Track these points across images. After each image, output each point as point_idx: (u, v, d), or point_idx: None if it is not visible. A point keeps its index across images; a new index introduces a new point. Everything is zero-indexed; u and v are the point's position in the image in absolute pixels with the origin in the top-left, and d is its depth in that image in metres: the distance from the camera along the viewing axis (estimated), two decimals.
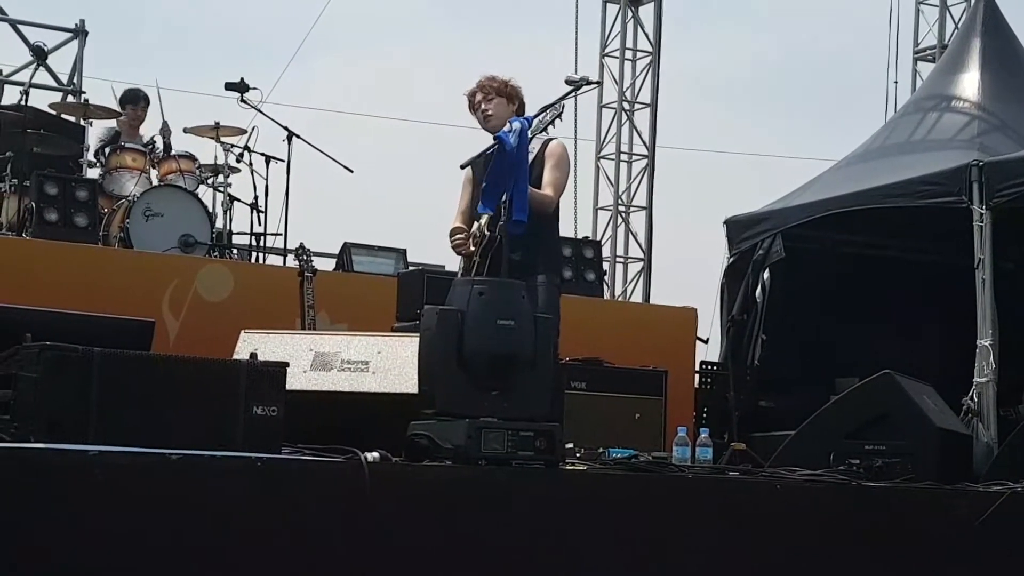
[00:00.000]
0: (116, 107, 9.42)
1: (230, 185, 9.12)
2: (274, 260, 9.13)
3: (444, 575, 4.44)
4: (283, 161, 8.98)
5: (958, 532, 5.51)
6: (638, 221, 13.98)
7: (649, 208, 13.86)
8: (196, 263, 8.18)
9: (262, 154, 9.06)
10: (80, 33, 12.77)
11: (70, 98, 12.14)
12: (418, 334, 4.95)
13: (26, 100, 9.08)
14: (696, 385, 8.96)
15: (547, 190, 5.98)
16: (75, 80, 12.77)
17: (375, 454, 4.39)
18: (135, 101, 9.45)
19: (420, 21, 25.67)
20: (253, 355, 4.53)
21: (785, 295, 9.36)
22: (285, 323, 7.17)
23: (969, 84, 9.07)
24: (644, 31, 13.95)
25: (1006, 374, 7.48)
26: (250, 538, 4.12)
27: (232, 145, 9.08)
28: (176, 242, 8.35)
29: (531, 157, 5.86)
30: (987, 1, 9.44)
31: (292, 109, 11.32)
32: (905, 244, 9.72)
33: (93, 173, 8.99)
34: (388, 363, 5.42)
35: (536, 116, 5.89)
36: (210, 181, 9.14)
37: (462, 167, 6.05)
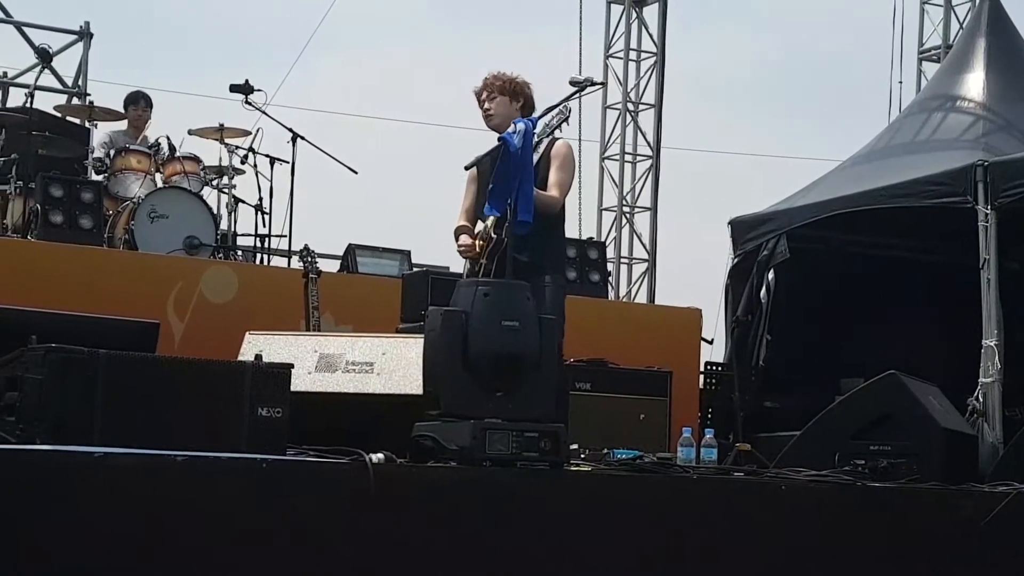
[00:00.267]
0: (120, 109, 9.44)
1: (235, 187, 9.15)
2: (279, 262, 9.14)
3: None
4: (287, 163, 8.99)
5: (963, 532, 5.51)
6: (642, 222, 13.99)
7: (654, 209, 13.86)
8: (201, 265, 8.19)
9: (267, 156, 9.07)
10: (85, 35, 12.79)
11: (75, 100, 12.17)
12: (423, 335, 4.95)
13: (31, 102, 9.10)
14: (701, 386, 8.95)
15: (552, 191, 5.97)
16: (80, 82, 12.79)
17: (380, 455, 4.39)
18: (135, 102, 9.46)
19: (423, 22, 25.69)
20: (258, 356, 4.54)
21: (790, 295, 9.36)
22: (290, 324, 7.18)
23: (974, 84, 9.06)
24: (648, 32, 13.95)
25: (1011, 374, 7.47)
26: (254, 539, 4.12)
27: (237, 147, 9.09)
28: (181, 244, 8.36)
29: (536, 158, 5.85)
30: (992, 1, 9.44)
31: (296, 111, 11.32)
32: (910, 244, 9.71)
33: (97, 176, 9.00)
34: (393, 364, 5.43)
35: (541, 117, 5.88)
36: (215, 183, 9.15)
37: (467, 168, 6.05)
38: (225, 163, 9.12)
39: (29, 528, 3.79)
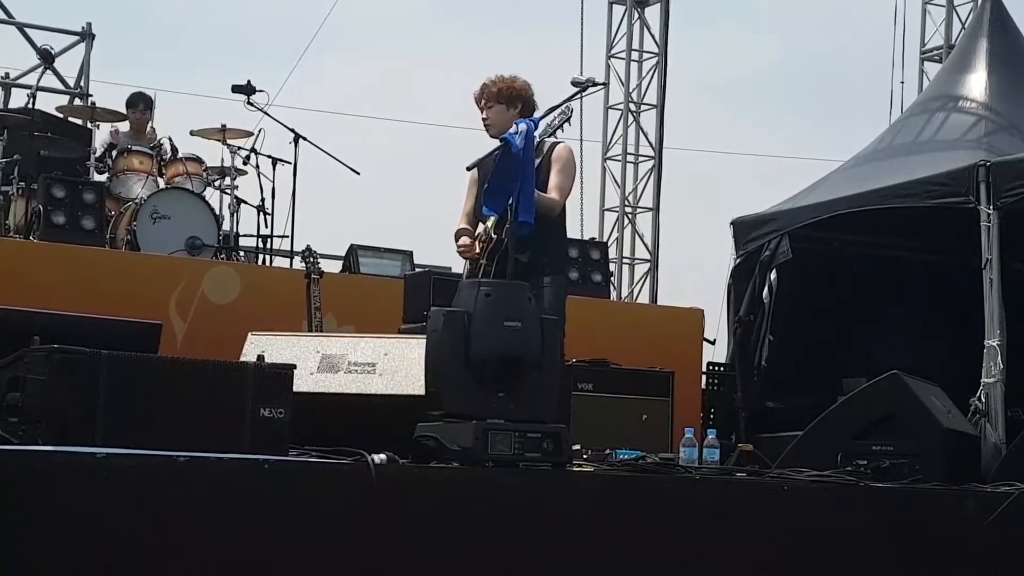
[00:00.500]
0: (122, 110, 9.45)
1: (237, 187, 9.15)
2: (281, 262, 9.15)
3: None
4: (290, 163, 9.00)
5: (966, 532, 5.51)
6: (644, 222, 13.99)
7: (656, 209, 13.86)
8: (203, 265, 8.19)
9: (269, 156, 9.08)
10: (87, 36, 12.79)
11: (77, 101, 12.18)
12: (425, 336, 4.95)
13: (33, 103, 9.11)
14: (703, 386, 8.95)
15: (553, 194, 5.97)
16: (82, 83, 12.79)
17: (382, 456, 4.39)
18: (134, 105, 9.46)
19: (424, 22, 25.70)
20: (260, 357, 4.54)
21: (792, 296, 9.35)
22: (292, 325, 7.17)
23: (976, 84, 9.05)
24: (650, 32, 13.95)
25: (1014, 374, 7.46)
26: (257, 540, 4.12)
27: (239, 148, 9.10)
28: (183, 244, 8.37)
29: (537, 160, 5.84)
30: (994, 1, 9.43)
31: (298, 111, 11.32)
32: (912, 245, 9.70)
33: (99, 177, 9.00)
34: (395, 365, 5.42)
35: (543, 117, 5.88)
36: (217, 184, 9.15)
37: (468, 168, 6.05)
38: (227, 164, 9.13)
39: (31, 529, 3.79)
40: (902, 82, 13.36)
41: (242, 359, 5.26)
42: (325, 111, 16.25)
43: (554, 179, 5.99)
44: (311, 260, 7.54)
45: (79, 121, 9.54)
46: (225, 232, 8.85)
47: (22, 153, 8.60)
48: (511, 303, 4.87)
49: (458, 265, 6.71)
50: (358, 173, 9.08)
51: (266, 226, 9.12)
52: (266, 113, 9.03)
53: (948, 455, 6.25)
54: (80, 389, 4.02)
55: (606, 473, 5.14)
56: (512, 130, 5.78)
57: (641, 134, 13.99)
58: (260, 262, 9.14)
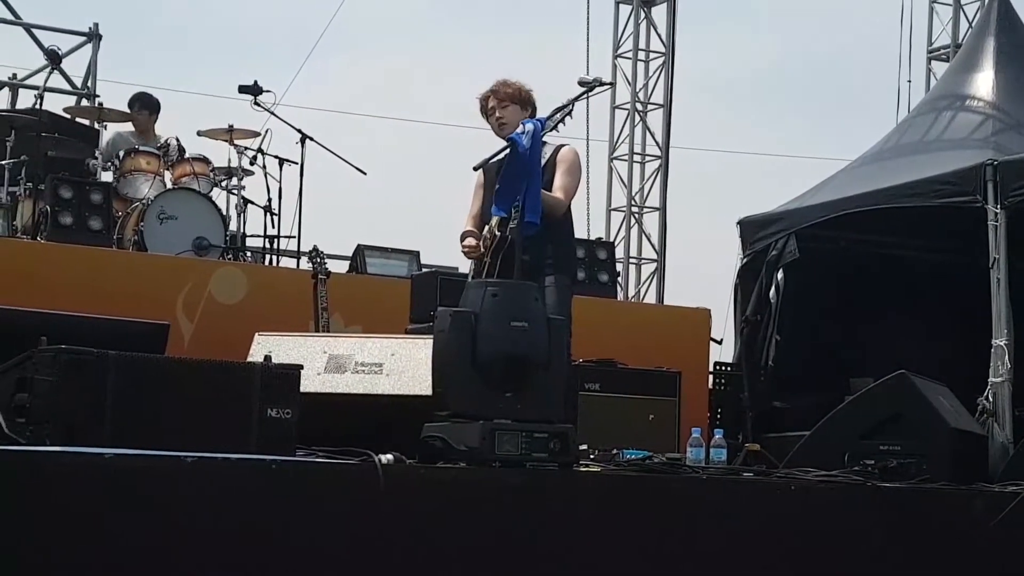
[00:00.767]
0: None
1: (244, 188, 9.15)
2: (288, 262, 9.15)
3: None
4: (296, 163, 9.00)
5: (973, 532, 5.50)
6: (651, 222, 13.99)
7: (662, 209, 13.86)
8: (210, 266, 8.20)
9: (275, 157, 9.08)
10: (94, 37, 12.81)
11: (84, 102, 12.20)
12: (432, 336, 4.95)
13: (40, 104, 9.13)
14: (710, 386, 8.95)
15: (557, 193, 5.98)
16: (89, 84, 12.82)
17: (389, 456, 4.40)
18: (131, 106, 9.47)
19: (432, 22, 25.73)
20: (267, 357, 4.54)
21: (799, 295, 9.34)
22: (299, 325, 7.18)
23: (983, 83, 9.04)
24: (657, 32, 13.95)
25: (1021, 373, 7.45)
26: (264, 540, 4.12)
27: (246, 148, 9.10)
28: (190, 245, 8.37)
29: (543, 161, 5.85)
30: (1001, 0, 9.42)
31: (305, 111, 11.34)
32: (919, 244, 9.69)
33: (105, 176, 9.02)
34: (402, 365, 5.43)
35: (548, 118, 5.89)
36: (224, 184, 9.16)
37: (475, 169, 6.05)
38: (234, 164, 9.13)
39: (38, 529, 3.80)
40: (909, 81, 13.36)
41: (249, 359, 5.26)
42: (331, 111, 16.26)
43: (559, 180, 6.00)
44: (318, 260, 7.55)
45: (86, 122, 9.55)
46: (232, 232, 8.86)
47: (29, 154, 8.62)
48: (518, 303, 4.87)
49: (465, 265, 6.72)
50: (365, 173, 9.09)
51: (273, 226, 9.13)
52: (273, 113, 9.04)
53: (955, 455, 6.24)
54: (88, 390, 4.02)
55: (613, 473, 5.15)
56: (519, 130, 5.79)
57: (648, 134, 13.99)
58: (267, 262, 9.15)
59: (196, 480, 4.01)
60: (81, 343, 4.08)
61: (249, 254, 9.19)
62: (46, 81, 10.01)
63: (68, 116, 9.68)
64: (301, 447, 4.45)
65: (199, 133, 9.31)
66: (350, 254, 9.30)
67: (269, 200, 9.11)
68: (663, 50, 13.87)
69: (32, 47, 12.72)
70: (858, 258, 9.64)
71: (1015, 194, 7.53)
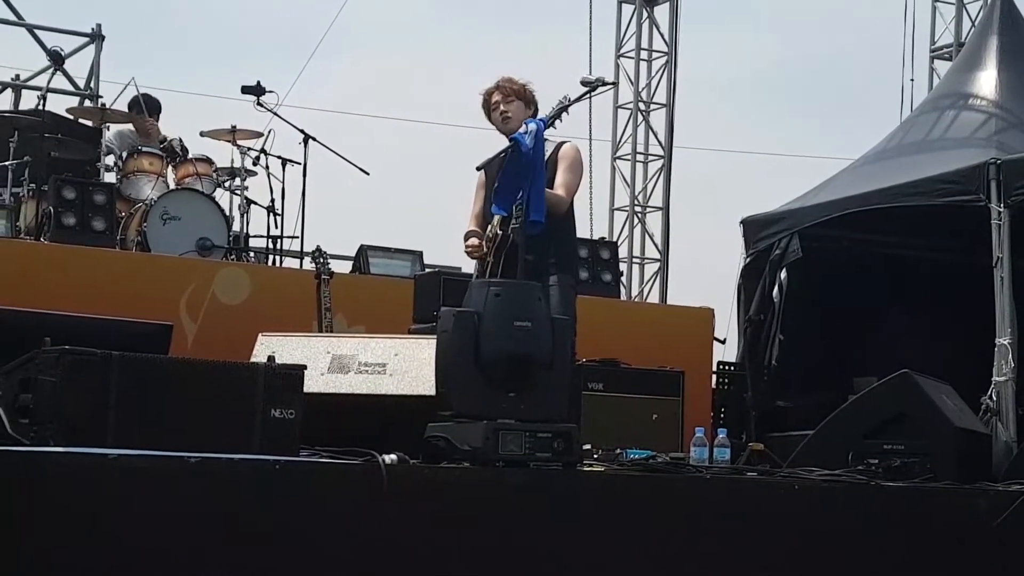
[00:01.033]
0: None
1: (247, 188, 9.15)
2: (291, 263, 9.15)
3: None
4: (299, 164, 9.00)
5: (977, 531, 5.50)
6: (654, 221, 13.98)
7: (666, 208, 13.85)
8: (213, 266, 8.20)
9: (278, 157, 9.08)
10: (96, 37, 12.82)
11: (87, 102, 12.21)
12: (435, 336, 4.96)
13: (43, 105, 9.13)
14: (713, 385, 8.94)
15: (559, 191, 5.98)
16: (92, 84, 12.82)
17: (393, 456, 4.40)
18: (130, 109, 9.47)
19: (433, 22, 25.73)
20: (271, 358, 4.54)
21: (802, 295, 9.33)
22: (302, 326, 7.18)
23: (986, 82, 9.03)
24: (660, 31, 13.94)
25: None
26: (268, 540, 4.12)
27: (248, 148, 9.10)
28: (193, 245, 8.37)
29: (544, 158, 5.85)
30: None
31: (307, 112, 11.34)
32: (923, 243, 9.68)
33: (109, 177, 9.02)
34: (405, 365, 5.43)
35: (550, 117, 5.88)
36: (227, 184, 9.15)
37: (478, 169, 6.05)
38: (237, 164, 9.13)
39: (42, 530, 3.80)
40: (912, 80, 13.36)
41: (252, 360, 5.26)
42: (334, 111, 16.27)
43: (560, 177, 6.00)
44: (321, 260, 7.54)
45: (89, 123, 9.55)
46: (235, 233, 8.85)
47: (33, 155, 8.62)
48: (521, 303, 4.87)
49: (468, 265, 6.73)
50: (368, 173, 9.09)
51: (276, 227, 9.13)
52: (276, 114, 9.05)
53: (959, 454, 6.24)
54: (91, 390, 4.03)
55: (616, 473, 5.14)
56: (522, 130, 5.79)
57: (651, 133, 13.99)
58: (270, 263, 9.15)
59: (200, 480, 4.01)
60: (84, 344, 4.09)
61: (252, 254, 9.19)
62: (49, 82, 10.03)
63: (71, 117, 9.67)
64: (304, 447, 4.45)
65: (202, 134, 9.31)
66: (353, 254, 9.29)
67: (272, 200, 9.11)
68: (666, 50, 13.86)
69: (35, 48, 12.73)
70: (861, 257, 9.63)
71: (1018, 193, 7.53)
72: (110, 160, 9.02)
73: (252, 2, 25.26)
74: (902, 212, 8.51)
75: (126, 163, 8.89)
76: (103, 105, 9.54)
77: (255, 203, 9.16)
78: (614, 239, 13.17)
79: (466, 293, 5.01)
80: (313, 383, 4.94)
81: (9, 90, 12.50)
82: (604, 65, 13.64)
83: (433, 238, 11.56)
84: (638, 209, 13.95)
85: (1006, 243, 7.50)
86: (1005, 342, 7.37)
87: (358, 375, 5.45)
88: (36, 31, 12.82)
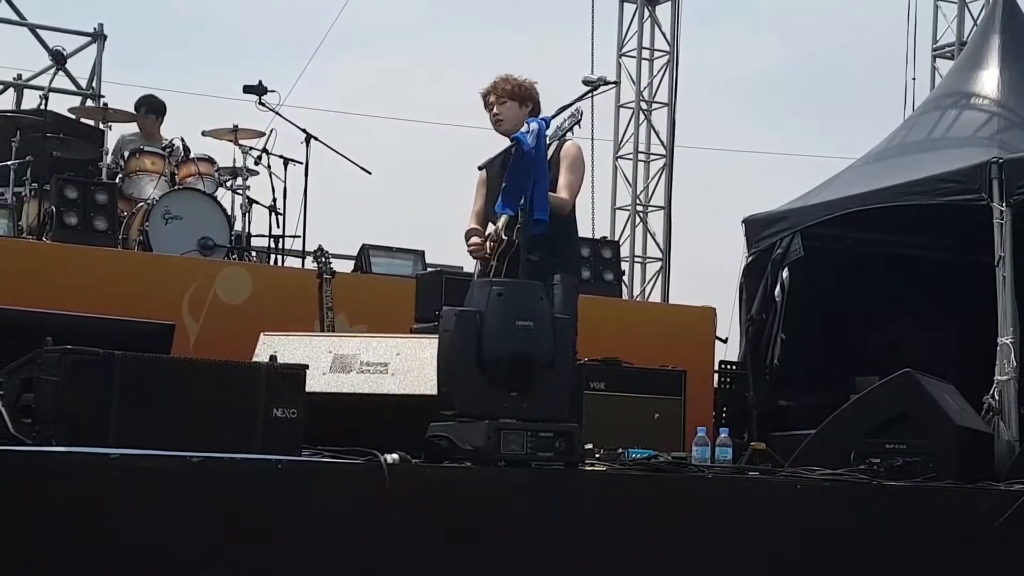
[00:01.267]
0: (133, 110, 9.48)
1: (248, 188, 9.17)
2: (293, 262, 9.16)
3: None
4: (301, 163, 9.01)
5: (979, 531, 5.50)
6: (656, 221, 13.99)
7: (667, 208, 13.86)
8: (215, 266, 8.20)
9: (280, 156, 9.09)
10: (98, 37, 12.82)
11: (89, 102, 12.21)
12: (437, 335, 4.96)
13: (45, 104, 9.13)
14: (715, 385, 8.94)
15: (562, 193, 5.98)
16: (94, 84, 12.82)
17: (395, 456, 4.39)
18: (137, 109, 9.48)
19: (433, 22, 25.73)
20: (273, 357, 4.54)
21: (804, 294, 9.33)
22: (304, 325, 7.19)
23: (988, 81, 9.03)
24: (661, 30, 13.95)
25: None
26: (270, 540, 4.13)
27: (250, 148, 9.11)
28: (195, 245, 8.38)
29: (548, 157, 5.85)
30: None
31: (309, 111, 11.34)
32: (925, 242, 9.68)
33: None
34: (407, 365, 5.43)
35: (553, 117, 5.89)
36: (229, 184, 9.16)
37: (480, 168, 6.06)
38: (239, 164, 9.15)
39: (44, 529, 3.80)
40: (913, 79, 13.37)
41: (254, 359, 5.27)
42: (335, 111, 16.28)
43: (563, 178, 6.00)
44: (323, 260, 7.55)
45: (91, 122, 9.55)
46: (237, 232, 8.86)
47: (35, 154, 8.62)
48: (523, 302, 4.87)
49: (469, 265, 6.72)
50: (369, 173, 9.10)
51: (278, 226, 9.14)
52: (277, 113, 9.05)
53: (961, 453, 6.24)
54: (93, 390, 4.03)
55: (618, 472, 5.14)
56: (524, 129, 5.80)
57: (652, 132, 13.99)
58: (272, 262, 9.15)
59: (202, 480, 4.01)
60: (87, 343, 4.09)
61: (254, 254, 9.20)
62: (51, 82, 10.02)
63: (73, 116, 9.68)
64: (307, 447, 4.45)
65: (204, 133, 9.32)
66: (355, 254, 9.30)
67: (274, 200, 9.13)
68: (667, 49, 13.87)
69: (37, 48, 12.73)
70: (863, 256, 9.63)
71: (1020, 192, 7.53)
72: (109, 160, 9.03)
73: (253, 2, 25.27)
74: (904, 211, 8.51)
75: (128, 163, 8.89)
76: (105, 105, 9.53)
77: (257, 202, 9.17)
78: (616, 238, 13.19)
79: (468, 292, 5.01)
80: (315, 382, 4.95)
81: (11, 90, 12.50)
82: (606, 64, 13.67)
83: (435, 237, 11.57)
84: (640, 208, 13.96)
85: (1008, 242, 7.50)
86: (1007, 341, 7.36)
87: (360, 374, 5.45)
88: (38, 31, 12.82)
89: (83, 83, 12.83)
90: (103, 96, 12.22)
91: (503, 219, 5.80)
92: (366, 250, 9.14)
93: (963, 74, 9.48)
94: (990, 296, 7.55)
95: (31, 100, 11.79)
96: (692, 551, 4.89)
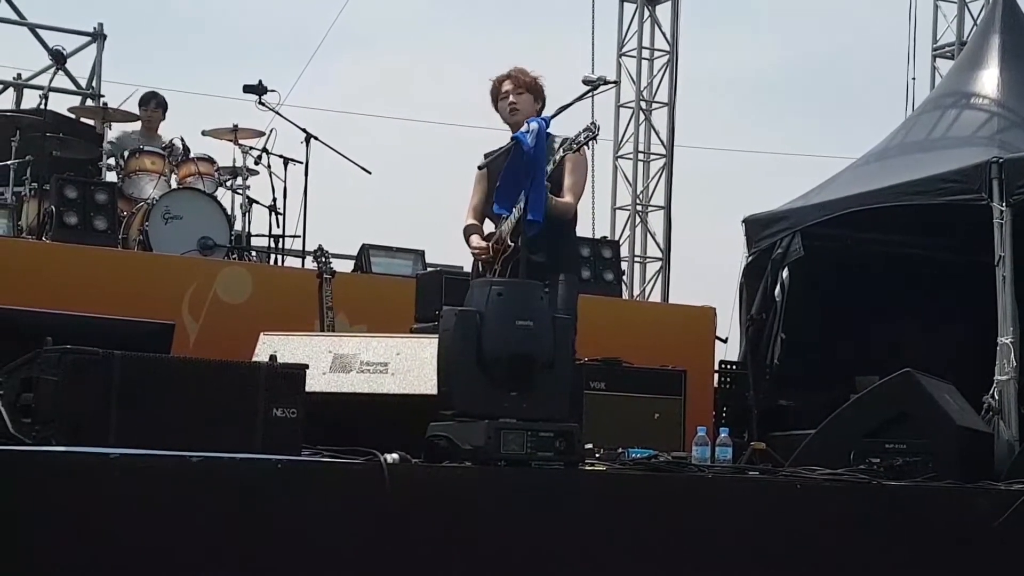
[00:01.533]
0: (134, 110, 9.47)
1: (248, 187, 9.16)
2: (293, 262, 9.15)
3: None
4: (301, 163, 9.00)
5: (979, 530, 5.50)
6: (656, 221, 13.98)
7: (667, 207, 13.85)
8: (215, 266, 8.20)
9: (280, 156, 9.09)
10: (98, 37, 12.81)
11: (89, 102, 12.21)
12: (437, 335, 4.96)
13: (45, 104, 9.12)
14: (715, 384, 8.94)
15: (567, 196, 5.98)
16: (93, 84, 12.82)
17: (394, 456, 4.40)
18: (146, 103, 9.48)
19: (433, 21, 25.72)
20: (272, 357, 4.54)
21: (804, 293, 9.34)
22: (304, 325, 7.19)
23: (988, 81, 9.03)
24: (661, 30, 13.95)
25: None
26: (270, 540, 4.13)
27: (250, 147, 9.11)
28: (195, 245, 8.37)
29: (550, 168, 5.81)
30: None
31: (309, 111, 11.33)
32: (925, 242, 9.68)
33: (110, 176, 9.03)
34: (407, 364, 5.43)
35: (554, 116, 5.88)
36: (229, 184, 9.16)
37: (480, 168, 6.05)
38: (239, 164, 9.14)
39: (44, 529, 3.80)
40: (914, 78, 13.37)
41: (254, 359, 5.27)
42: (335, 111, 16.27)
43: (567, 181, 6.00)
44: (323, 260, 7.54)
45: (91, 122, 9.55)
46: (237, 232, 8.86)
47: (34, 154, 8.62)
48: (523, 302, 4.87)
49: (469, 264, 6.72)
50: (369, 172, 9.09)
51: (278, 226, 9.14)
52: (277, 113, 9.04)
53: (961, 453, 6.24)
54: (93, 390, 4.03)
55: (618, 472, 5.15)
56: (524, 129, 5.80)
57: (652, 132, 13.99)
58: (272, 262, 9.15)
59: (202, 480, 4.01)
60: (86, 343, 4.09)
61: (254, 254, 9.20)
62: (51, 81, 10.00)
63: (73, 116, 9.68)
64: (306, 447, 4.45)
65: (204, 133, 9.31)
66: (355, 253, 9.30)
67: (274, 200, 9.12)
68: (667, 49, 13.86)
69: (37, 47, 12.72)
70: (863, 256, 9.64)
71: (1020, 191, 7.53)
72: (111, 161, 9.03)
73: (253, 2, 25.26)
74: (904, 211, 8.51)
75: (128, 162, 8.89)
76: (105, 104, 9.53)
77: (257, 202, 9.17)
78: (616, 238, 13.18)
79: (468, 292, 5.01)
80: (315, 382, 4.95)
81: (11, 89, 12.49)
82: (606, 64, 13.65)
83: (435, 237, 11.56)
84: (640, 208, 13.95)
85: (1008, 242, 7.50)
86: (1007, 341, 7.36)
87: (360, 374, 5.46)
88: (38, 30, 12.81)
89: (83, 83, 12.82)
90: (103, 96, 12.21)
91: (507, 224, 5.79)
92: (366, 250, 9.14)
93: (963, 74, 9.49)
94: (990, 296, 7.55)
95: (31, 100, 11.80)
96: (692, 551, 4.89)
